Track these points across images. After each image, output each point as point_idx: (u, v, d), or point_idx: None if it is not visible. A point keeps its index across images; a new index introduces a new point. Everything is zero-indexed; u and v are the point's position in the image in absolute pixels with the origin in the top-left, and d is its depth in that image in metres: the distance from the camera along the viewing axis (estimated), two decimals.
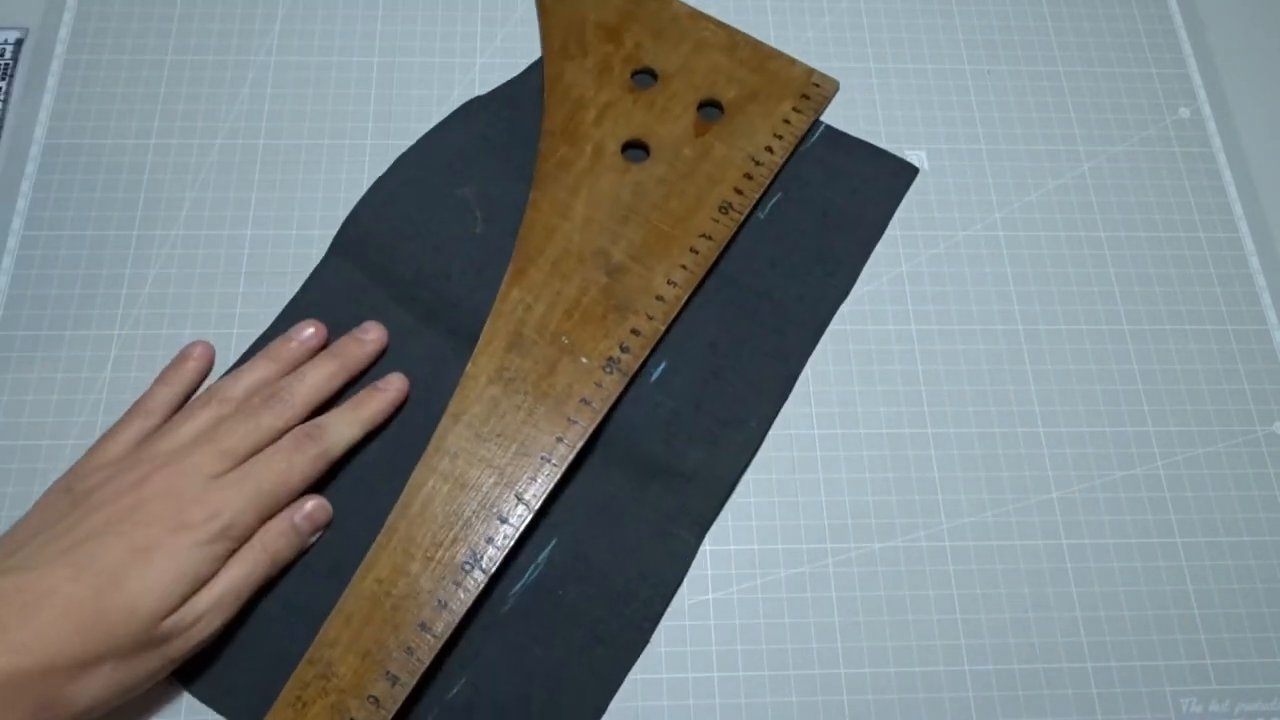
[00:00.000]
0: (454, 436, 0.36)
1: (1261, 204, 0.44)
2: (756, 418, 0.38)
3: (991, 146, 0.45)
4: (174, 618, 0.30)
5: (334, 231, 0.41)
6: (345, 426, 0.36)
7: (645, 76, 0.44)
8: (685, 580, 0.36)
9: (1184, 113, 0.46)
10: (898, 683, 0.35)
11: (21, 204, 0.41)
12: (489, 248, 0.41)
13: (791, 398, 0.39)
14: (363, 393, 0.37)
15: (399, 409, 0.38)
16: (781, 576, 0.36)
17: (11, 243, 0.40)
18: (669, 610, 0.35)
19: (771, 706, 0.34)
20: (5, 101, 0.43)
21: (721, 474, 0.37)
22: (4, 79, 0.43)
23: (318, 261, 0.40)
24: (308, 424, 0.35)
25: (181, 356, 0.38)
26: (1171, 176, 0.45)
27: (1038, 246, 0.43)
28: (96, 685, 0.28)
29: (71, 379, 0.38)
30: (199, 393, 0.37)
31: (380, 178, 0.42)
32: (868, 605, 0.36)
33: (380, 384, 0.37)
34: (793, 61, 0.45)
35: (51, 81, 0.43)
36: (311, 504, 0.35)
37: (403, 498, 0.35)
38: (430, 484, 0.35)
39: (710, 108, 0.44)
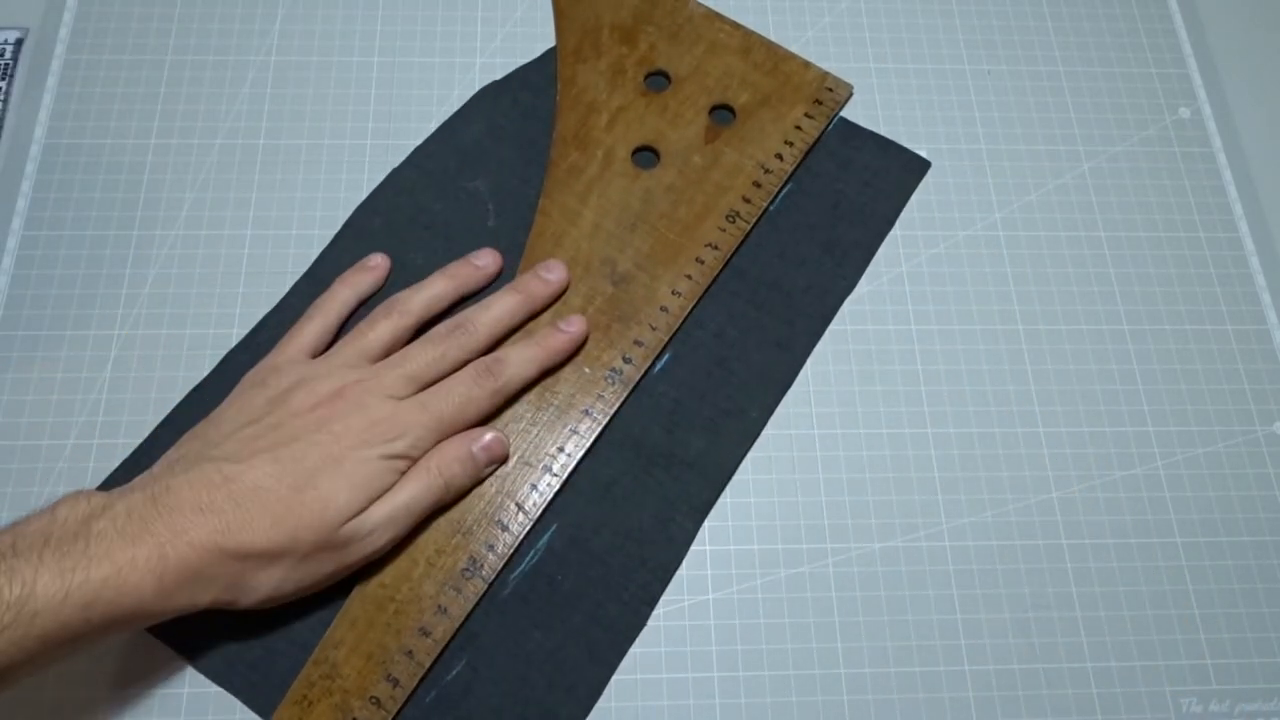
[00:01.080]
0: None
1: (1261, 204, 0.44)
2: (758, 408, 0.39)
3: (991, 146, 0.45)
4: (353, 524, 0.32)
5: (334, 231, 0.41)
6: (524, 365, 0.37)
7: (659, 79, 0.44)
8: (685, 580, 0.36)
9: (1184, 113, 0.46)
10: (898, 683, 0.35)
11: (21, 204, 0.41)
12: (500, 241, 0.41)
13: (792, 398, 0.39)
14: (545, 330, 0.38)
15: (576, 352, 0.38)
16: (781, 576, 0.36)
17: (11, 243, 0.40)
18: (669, 611, 0.35)
19: (771, 706, 0.34)
20: (5, 101, 0.43)
21: (722, 461, 0.38)
22: (4, 79, 0.43)
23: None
24: (488, 358, 0.36)
25: (360, 265, 0.39)
26: (1171, 176, 0.44)
27: (1038, 246, 0.43)
28: (275, 577, 0.31)
29: (71, 379, 0.38)
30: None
31: (396, 168, 0.42)
32: (868, 605, 0.36)
33: (562, 323, 0.38)
34: (807, 65, 0.45)
35: (51, 81, 0.43)
36: (490, 436, 0.35)
37: None
38: None
39: (723, 111, 0.44)
